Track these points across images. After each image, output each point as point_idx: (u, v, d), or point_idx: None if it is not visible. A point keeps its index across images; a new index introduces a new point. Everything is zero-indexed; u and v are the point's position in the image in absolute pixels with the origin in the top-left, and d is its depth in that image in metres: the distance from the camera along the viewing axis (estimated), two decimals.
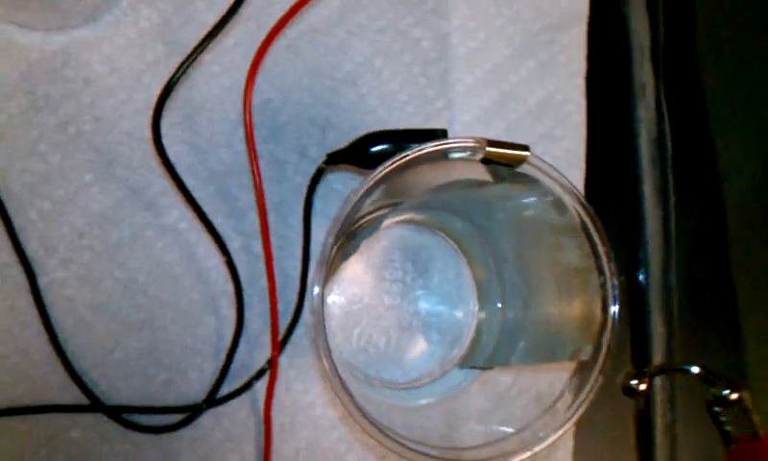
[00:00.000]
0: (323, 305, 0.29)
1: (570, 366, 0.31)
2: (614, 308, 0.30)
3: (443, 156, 0.30)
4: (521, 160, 0.30)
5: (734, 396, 0.22)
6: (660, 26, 0.44)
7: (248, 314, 0.38)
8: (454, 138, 0.29)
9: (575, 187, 0.31)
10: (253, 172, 0.35)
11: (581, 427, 0.39)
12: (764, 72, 0.45)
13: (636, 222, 0.43)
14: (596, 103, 0.43)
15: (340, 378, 0.29)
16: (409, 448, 0.29)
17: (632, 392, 0.32)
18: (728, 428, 0.22)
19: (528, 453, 0.29)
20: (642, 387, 0.32)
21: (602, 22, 0.43)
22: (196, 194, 0.37)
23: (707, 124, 0.44)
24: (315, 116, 0.39)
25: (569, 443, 0.39)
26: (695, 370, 0.25)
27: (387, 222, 0.37)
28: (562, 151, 0.42)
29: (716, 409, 0.22)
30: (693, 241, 0.43)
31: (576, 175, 0.42)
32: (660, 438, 0.41)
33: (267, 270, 0.35)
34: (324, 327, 0.29)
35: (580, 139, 0.42)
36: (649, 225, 0.43)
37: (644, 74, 0.44)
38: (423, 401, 0.37)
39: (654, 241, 0.42)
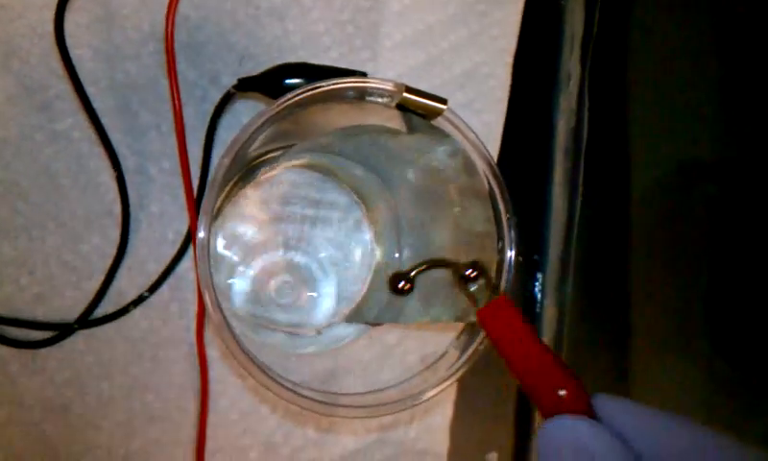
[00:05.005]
0: (209, 233, 0.27)
1: (457, 328, 0.31)
2: (509, 275, 0.29)
3: (357, 96, 0.29)
4: (438, 113, 0.29)
5: (474, 273, 0.27)
6: (595, 20, 0.44)
7: (133, 238, 0.36)
8: (371, 78, 0.28)
9: (488, 151, 0.30)
10: (172, 87, 0.33)
11: (462, 400, 0.39)
12: (687, 76, 0.46)
13: (541, 206, 0.43)
14: (520, 83, 0.42)
15: (221, 311, 0.28)
16: (286, 388, 0.28)
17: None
18: (473, 292, 0.27)
19: (404, 407, 0.28)
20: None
21: (538, 4, 0.43)
22: (95, 103, 0.35)
23: (625, 120, 0.45)
24: (234, 44, 0.37)
25: (448, 411, 0.39)
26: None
27: (289, 162, 0.36)
28: (480, 123, 0.41)
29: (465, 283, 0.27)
30: (594, 233, 0.44)
31: (491, 149, 0.41)
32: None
33: (184, 180, 0.34)
34: (209, 258, 0.27)
35: (499, 115, 0.42)
36: (554, 212, 0.43)
37: (571, 64, 0.44)
38: (307, 350, 0.36)
39: (556, 228, 0.43)
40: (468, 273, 0.27)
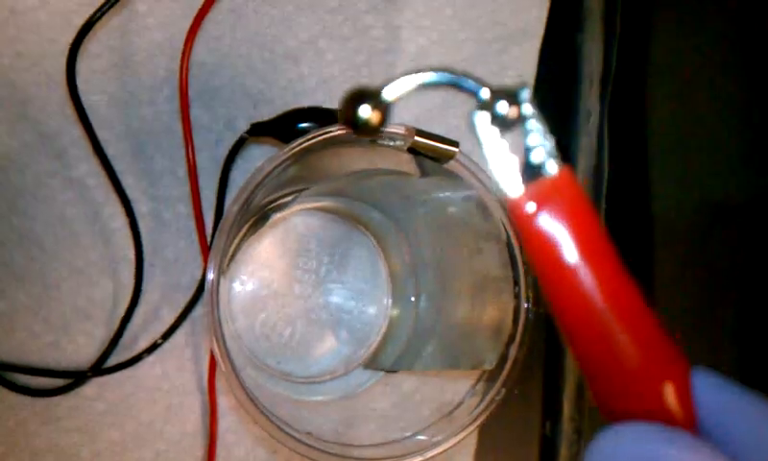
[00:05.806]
0: (218, 278, 0.27)
1: (474, 376, 0.30)
2: (525, 320, 0.29)
3: (368, 140, 0.28)
4: (450, 156, 0.29)
5: (514, 111, 0.14)
6: (613, 56, 0.44)
7: (147, 284, 0.36)
8: None
9: None
10: (185, 133, 0.33)
11: (483, 448, 0.38)
12: (708, 113, 0.45)
13: None
14: None
15: (230, 359, 0.27)
16: (297, 439, 0.27)
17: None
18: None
19: (419, 458, 0.27)
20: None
21: (555, 42, 0.43)
22: (110, 150, 0.35)
23: (646, 157, 0.44)
24: (249, 88, 0.37)
25: None
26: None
27: (303, 205, 0.35)
28: None
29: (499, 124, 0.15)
30: None
31: None
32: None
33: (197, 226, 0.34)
34: (218, 304, 0.27)
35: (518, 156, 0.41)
36: None
37: (591, 102, 0.44)
38: (322, 398, 0.35)
39: None
40: (497, 105, 0.15)
